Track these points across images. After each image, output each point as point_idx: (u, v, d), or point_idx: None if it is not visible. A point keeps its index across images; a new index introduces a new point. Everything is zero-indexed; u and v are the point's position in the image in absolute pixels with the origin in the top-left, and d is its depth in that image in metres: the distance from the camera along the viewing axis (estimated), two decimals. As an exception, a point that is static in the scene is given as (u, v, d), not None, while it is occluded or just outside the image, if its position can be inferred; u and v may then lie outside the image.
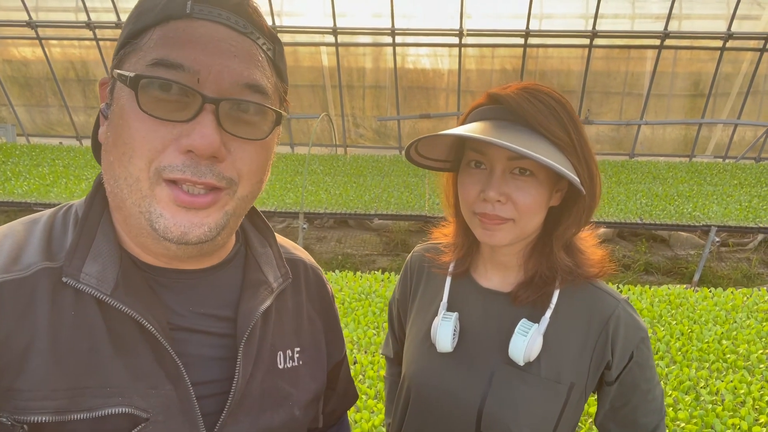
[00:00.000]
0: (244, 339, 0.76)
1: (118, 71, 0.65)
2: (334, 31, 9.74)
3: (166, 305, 0.73)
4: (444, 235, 1.19)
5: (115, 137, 0.66)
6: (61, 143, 10.20)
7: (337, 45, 9.86)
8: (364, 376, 3.11)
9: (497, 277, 1.09)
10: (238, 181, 0.70)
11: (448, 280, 1.12)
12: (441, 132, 0.92)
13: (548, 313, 1.01)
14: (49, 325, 0.65)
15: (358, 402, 2.84)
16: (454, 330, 1.05)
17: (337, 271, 4.45)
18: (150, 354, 0.69)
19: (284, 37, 9.90)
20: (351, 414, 2.73)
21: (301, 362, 0.87)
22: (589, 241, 1.08)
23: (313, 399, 0.90)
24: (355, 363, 3.21)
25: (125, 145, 0.64)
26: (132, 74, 0.63)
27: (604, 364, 1.02)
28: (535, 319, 1.02)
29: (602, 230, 7.47)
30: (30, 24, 9.88)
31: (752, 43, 9.32)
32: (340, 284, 4.08)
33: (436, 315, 1.09)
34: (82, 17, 9.97)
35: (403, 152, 1.05)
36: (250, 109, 0.68)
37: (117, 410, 0.66)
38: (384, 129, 10.83)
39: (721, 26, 9.26)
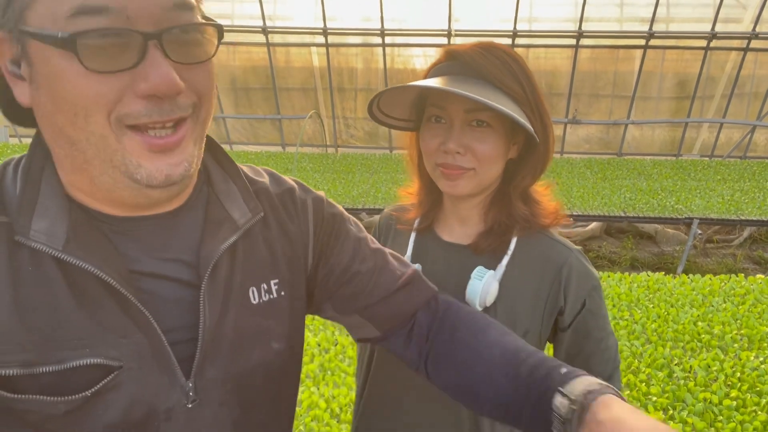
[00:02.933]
0: (205, 280, 0.73)
1: (32, 29, 0.59)
2: (324, 32, 9.82)
3: (126, 254, 0.71)
4: (409, 194, 1.23)
5: (56, 100, 0.61)
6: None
7: (327, 45, 9.94)
8: (344, 355, 3.16)
9: (459, 230, 1.13)
10: (200, 102, 0.67)
11: (413, 235, 1.17)
12: (402, 84, 0.96)
13: (505, 260, 1.05)
14: (10, 280, 0.64)
15: (336, 378, 2.89)
16: None
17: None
18: (114, 305, 0.67)
19: (275, 38, 9.97)
20: (329, 390, 2.78)
21: (282, 293, 0.84)
22: (543, 193, 1.13)
23: (297, 327, 0.88)
24: (336, 344, 3.25)
25: (76, 105, 0.60)
26: (66, 35, 0.57)
27: (557, 310, 1.06)
28: (493, 266, 1.06)
29: (590, 227, 7.54)
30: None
31: (736, 43, 9.45)
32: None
33: None
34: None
35: (366, 109, 1.08)
36: (189, 30, 0.64)
37: (86, 361, 0.65)
38: (375, 129, 10.90)
39: (706, 28, 9.41)
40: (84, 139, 0.62)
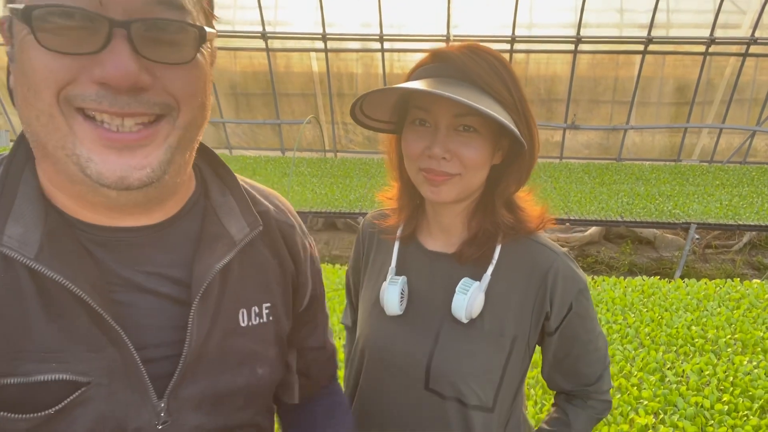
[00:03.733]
0: (197, 300, 0.71)
1: (11, 6, 0.57)
2: (324, 37, 9.85)
3: (105, 266, 0.68)
4: (388, 198, 1.20)
5: (20, 77, 0.59)
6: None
7: (326, 51, 9.97)
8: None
9: (442, 239, 1.11)
10: (177, 106, 0.62)
11: (396, 244, 1.14)
12: (388, 87, 0.91)
13: (490, 270, 1.03)
14: None
15: (326, 381, 2.86)
16: (402, 293, 1.07)
17: (317, 264, 4.49)
18: (86, 318, 0.65)
19: (275, 44, 10.01)
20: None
21: (271, 318, 0.82)
22: (527, 198, 1.11)
23: (280, 354, 0.86)
24: (327, 347, 3.23)
25: (28, 81, 0.57)
26: (21, 6, 0.55)
27: (544, 315, 1.05)
28: (478, 276, 1.03)
29: (588, 232, 7.52)
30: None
31: (735, 48, 9.45)
32: (318, 276, 4.12)
33: (385, 280, 1.11)
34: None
35: (349, 112, 1.03)
36: (167, 27, 0.59)
37: (52, 376, 0.63)
38: (374, 135, 10.85)
39: (705, 34, 9.41)
40: (35, 118, 0.58)
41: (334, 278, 4.08)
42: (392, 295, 1.06)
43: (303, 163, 8.81)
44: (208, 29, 0.63)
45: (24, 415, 0.63)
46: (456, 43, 0.98)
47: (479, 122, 0.94)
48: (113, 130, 0.58)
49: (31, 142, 0.63)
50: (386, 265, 1.14)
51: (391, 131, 1.11)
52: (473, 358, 1.02)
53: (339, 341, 3.26)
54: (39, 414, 0.63)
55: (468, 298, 1.00)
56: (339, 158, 9.94)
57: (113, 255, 0.69)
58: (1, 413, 0.62)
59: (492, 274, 1.03)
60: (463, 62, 0.93)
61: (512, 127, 0.89)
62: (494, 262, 1.04)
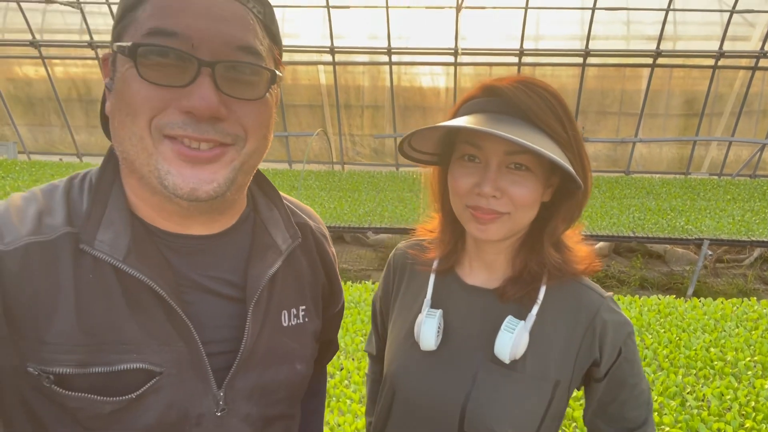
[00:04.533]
0: (253, 302, 0.81)
1: (118, 44, 0.69)
2: (332, 50, 9.88)
3: (176, 269, 0.78)
4: (429, 231, 1.16)
5: (118, 103, 0.70)
6: (61, 159, 10.29)
7: (334, 64, 10.00)
8: (349, 381, 3.11)
9: (483, 274, 1.07)
10: (245, 136, 0.73)
11: (432, 277, 1.10)
12: (442, 123, 0.89)
13: (535, 309, 0.99)
14: (72, 286, 0.70)
15: (342, 405, 2.84)
16: (438, 327, 1.03)
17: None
18: (162, 314, 0.74)
19: (282, 57, 10.03)
20: (334, 417, 2.73)
21: (306, 319, 0.93)
22: (574, 238, 1.06)
23: (313, 352, 0.96)
24: (341, 369, 3.21)
25: (128, 106, 0.68)
26: (129, 44, 0.67)
27: (591, 361, 1.01)
28: (521, 316, 0.99)
29: (598, 246, 7.47)
30: (33, 43, 10.04)
31: (744, 62, 9.42)
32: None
33: (420, 312, 1.07)
34: (85, 37, 10.14)
35: (398, 146, 1.00)
36: (245, 70, 0.72)
37: (132, 366, 0.72)
38: (381, 147, 10.92)
39: (713, 46, 9.39)
40: (127, 139, 0.69)
41: (346, 296, 4.05)
42: (429, 329, 1.02)
43: (311, 176, 8.80)
44: (278, 73, 0.76)
45: (110, 398, 0.72)
46: (507, 76, 0.94)
47: (532, 160, 0.91)
48: (192, 147, 0.70)
49: (121, 159, 0.74)
50: (420, 297, 1.11)
51: (435, 163, 1.08)
52: (514, 402, 0.98)
53: (353, 362, 3.23)
54: (122, 398, 0.72)
55: (514, 338, 0.95)
56: (347, 171, 9.93)
57: (184, 259, 0.79)
58: (91, 396, 0.71)
59: (536, 315, 0.99)
60: (517, 97, 0.89)
61: (569, 167, 0.85)
62: (539, 302, 1.00)
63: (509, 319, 0.98)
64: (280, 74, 0.78)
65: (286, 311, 0.89)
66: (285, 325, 0.88)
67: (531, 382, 0.99)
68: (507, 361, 0.97)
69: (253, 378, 0.83)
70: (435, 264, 1.10)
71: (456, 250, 1.10)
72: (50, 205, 0.74)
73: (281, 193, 0.99)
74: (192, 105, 0.67)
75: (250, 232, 0.87)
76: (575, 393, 1.11)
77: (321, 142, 10.49)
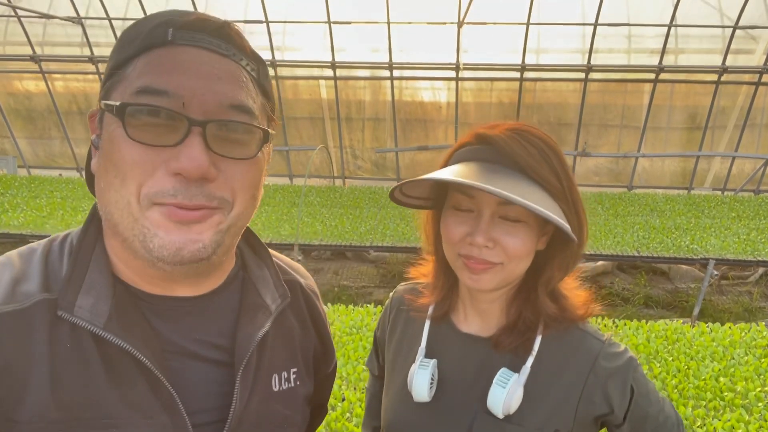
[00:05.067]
0: (242, 367, 0.76)
1: (105, 102, 0.67)
2: (333, 65, 9.87)
3: (161, 334, 0.74)
4: (423, 274, 1.15)
5: (105, 164, 0.67)
6: (60, 175, 10.25)
7: (335, 78, 9.99)
8: (351, 414, 3.03)
9: (477, 321, 1.05)
10: (232, 199, 0.71)
11: (427, 324, 1.08)
12: (429, 175, 0.87)
13: (529, 362, 0.96)
14: (47, 357, 0.66)
15: (344, 441, 2.76)
16: (432, 378, 1.01)
17: (329, 304, 4.40)
18: (145, 384, 0.69)
19: (283, 71, 10.04)
20: (336, 454, 2.66)
21: (297, 383, 0.88)
22: (571, 284, 1.04)
23: (305, 417, 0.91)
24: (343, 400, 3.13)
25: (116, 169, 0.65)
26: (118, 103, 0.65)
27: (598, 412, 0.97)
28: (516, 367, 0.97)
29: (601, 263, 7.41)
30: (34, 58, 10.04)
31: (747, 77, 9.40)
32: (331, 318, 4.01)
33: (415, 362, 1.05)
34: (86, 51, 10.14)
35: (388, 193, 1.00)
36: (237, 129, 0.69)
37: None
38: (382, 161, 10.88)
39: (716, 60, 9.37)
40: (113, 202, 0.67)
41: (347, 321, 3.98)
42: (422, 380, 1.00)
43: (312, 191, 8.76)
44: (270, 131, 0.75)
45: None
46: (500, 123, 0.93)
47: (525, 212, 0.89)
48: (181, 206, 0.66)
49: (104, 220, 0.71)
50: (415, 345, 1.08)
51: (428, 207, 1.06)
52: None
53: (355, 393, 3.16)
54: None
55: (506, 392, 0.93)
56: (348, 186, 9.90)
57: (168, 323, 0.75)
58: None
59: (531, 367, 0.96)
60: (510, 147, 0.88)
61: (563, 222, 0.83)
62: (534, 353, 0.97)
63: (502, 372, 0.96)
64: (273, 132, 0.77)
65: (276, 375, 0.84)
66: (276, 390, 0.84)
67: None
68: (500, 416, 0.94)
69: None
70: (430, 310, 1.09)
71: (450, 296, 1.08)
72: (26, 271, 0.70)
73: (270, 250, 0.96)
74: (181, 166, 0.64)
75: (239, 291, 0.83)
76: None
77: (322, 155, 10.46)
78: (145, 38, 0.68)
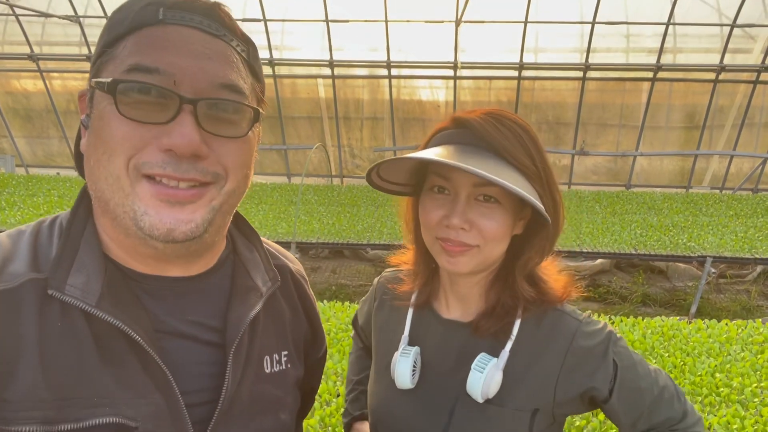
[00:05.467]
0: (234, 347, 0.77)
1: (96, 80, 0.67)
2: (331, 64, 9.86)
3: (153, 313, 0.74)
4: (404, 262, 1.16)
5: (95, 142, 0.67)
6: (58, 173, 10.24)
7: (333, 77, 9.98)
8: (345, 409, 3.01)
9: (458, 307, 1.06)
10: (225, 175, 0.71)
11: (410, 312, 1.09)
12: (406, 155, 0.88)
13: (508, 346, 0.97)
14: (37, 336, 0.65)
15: (337, 437, 2.75)
16: (414, 365, 1.03)
17: (325, 301, 4.39)
18: (137, 363, 0.69)
19: (281, 70, 10.03)
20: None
21: (289, 365, 0.89)
22: (551, 269, 1.05)
23: (297, 400, 0.92)
24: (338, 396, 3.12)
25: (105, 144, 0.66)
26: (109, 80, 0.65)
27: (580, 389, 0.98)
28: (496, 351, 0.98)
29: (599, 261, 7.40)
30: (32, 57, 10.03)
31: (745, 76, 9.39)
32: (327, 314, 4.00)
33: (397, 349, 1.06)
34: (84, 50, 10.13)
35: (365, 175, 1.03)
36: (227, 107, 0.70)
37: (104, 420, 0.66)
38: (380, 159, 10.85)
39: (714, 59, 9.36)
40: (103, 178, 0.67)
41: (343, 317, 3.97)
42: (404, 368, 1.02)
43: (309, 190, 8.75)
44: (261, 111, 0.75)
45: None
46: (478, 109, 0.95)
47: (501, 192, 0.91)
48: (170, 186, 0.67)
49: (94, 198, 0.71)
50: (398, 332, 1.09)
51: (408, 194, 1.07)
52: None
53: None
54: None
55: (484, 377, 0.94)
56: (346, 185, 9.89)
57: (160, 303, 0.75)
58: None
59: (510, 350, 0.97)
60: (485, 130, 0.90)
61: (536, 202, 0.85)
62: (513, 337, 0.98)
63: (481, 357, 0.97)
64: (263, 112, 0.77)
65: (268, 357, 0.85)
66: (268, 371, 0.84)
67: (508, 414, 0.97)
68: (480, 401, 0.96)
69: (236, 428, 0.78)
70: (413, 298, 1.10)
71: (430, 283, 1.09)
72: (14, 251, 0.70)
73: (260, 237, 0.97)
74: (173, 143, 0.65)
75: (230, 274, 0.84)
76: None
77: (320, 154, 10.45)
78: (136, 17, 0.68)
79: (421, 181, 1.02)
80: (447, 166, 0.90)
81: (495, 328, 0.99)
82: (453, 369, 1.01)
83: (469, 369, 0.97)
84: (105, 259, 0.72)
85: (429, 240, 0.98)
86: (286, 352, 0.89)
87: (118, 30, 0.69)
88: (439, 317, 1.07)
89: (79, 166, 0.77)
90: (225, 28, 0.73)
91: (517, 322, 0.99)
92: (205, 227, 0.70)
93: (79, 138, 0.75)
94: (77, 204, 0.75)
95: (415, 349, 1.03)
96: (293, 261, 1.01)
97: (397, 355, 1.04)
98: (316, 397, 3.06)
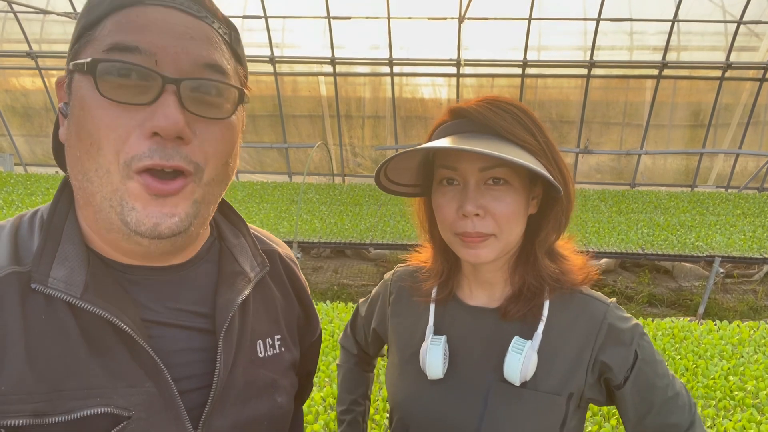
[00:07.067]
0: (223, 332, 0.77)
1: (75, 62, 0.65)
2: (332, 62, 9.79)
3: (139, 303, 0.73)
4: (422, 261, 1.15)
5: (78, 130, 0.66)
6: (57, 172, 10.17)
7: (335, 75, 9.90)
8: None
9: (483, 294, 1.06)
10: (204, 166, 0.69)
11: (432, 306, 1.08)
12: (410, 149, 0.89)
13: (540, 327, 0.98)
14: (22, 330, 0.65)
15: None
16: (444, 354, 1.01)
17: (328, 302, 4.31)
18: (127, 353, 0.69)
19: (283, 68, 9.95)
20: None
21: (283, 349, 0.89)
22: (569, 248, 1.07)
23: (293, 382, 0.92)
24: (340, 399, 3.03)
25: (90, 136, 0.64)
26: (89, 59, 0.63)
27: (604, 368, 0.98)
28: (526, 333, 0.98)
29: (604, 261, 7.32)
30: (30, 54, 9.95)
31: (751, 73, 9.31)
32: (330, 315, 3.93)
33: (422, 340, 1.05)
34: (83, 48, 10.06)
35: (374, 179, 1.03)
36: (211, 88, 0.69)
37: (96, 411, 0.66)
38: (382, 158, 10.76)
39: (719, 57, 9.27)
40: (93, 170, 0.65)
41: (347, 318, 3.90)
42: (435, 356, 1.01)
43: (311, 189, 8.68)
44: (245, 92, 0.74)
45: None
46: (473, 98, 0.96)
47: (508, 173, 0.91)
48: (158, 178, 0.65)
49: (77, 189, 0.69)
50: (421, 323, 1.09)
51: (419, 194, 1.09)
52: (529, 420, 0.97)
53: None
54: None
55: (523, 359, 0.94)
56: (347, 184, 9.82)
57: (145, 293, 0.74)
58: None
59: (543, 332, 0.98)
60: (483, 115, 0.91)
61: (544, 172, 0.86)
62: (544, 318, 0.99)
63: (516, 340, 0.98)
64: (248, 95, 0.76)
65: (261, 341, 0.85)
66: (261, 356, 0.84)
67: (544, 398, 0.97)
68: (517, 384, 0.96)
69: (232, 415, 0.78)
70: (434, 293, 1.09)
71: (452, 277, 1.10)
72: None
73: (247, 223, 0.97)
74: (157, 124, 0.63)
75: (217, 260, 0.84)
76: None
77: (321, 153, 10.38)
78: None
79: (429, 179, 1.03)
80: (451, 155, 0.92)
81: (524, 311, 1.00)
82: (483, 356, 1.01)
83: (499, 354, 0.98)
84: (88, 250, 0.71)
85: (448, 237, 0.98)
86: (279, 336, 0.89)
87: (96, 12, 0.67)
88: (464, 305, 1.07)
89: (58, 157, 0.76)
90: (206, 10, 0.71)
91: (547, 303, 0.99)
92: (189, 221, 0.69)
93: (57, 127, 0.73)
94: (57, 196, 0.74)
95: (444, 338, 1.03)
96: (281, 245, 1.01)
97: (425, 345, 1.02)
98: (320, 400, 2.99)
